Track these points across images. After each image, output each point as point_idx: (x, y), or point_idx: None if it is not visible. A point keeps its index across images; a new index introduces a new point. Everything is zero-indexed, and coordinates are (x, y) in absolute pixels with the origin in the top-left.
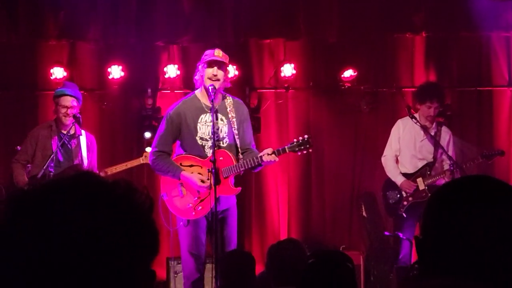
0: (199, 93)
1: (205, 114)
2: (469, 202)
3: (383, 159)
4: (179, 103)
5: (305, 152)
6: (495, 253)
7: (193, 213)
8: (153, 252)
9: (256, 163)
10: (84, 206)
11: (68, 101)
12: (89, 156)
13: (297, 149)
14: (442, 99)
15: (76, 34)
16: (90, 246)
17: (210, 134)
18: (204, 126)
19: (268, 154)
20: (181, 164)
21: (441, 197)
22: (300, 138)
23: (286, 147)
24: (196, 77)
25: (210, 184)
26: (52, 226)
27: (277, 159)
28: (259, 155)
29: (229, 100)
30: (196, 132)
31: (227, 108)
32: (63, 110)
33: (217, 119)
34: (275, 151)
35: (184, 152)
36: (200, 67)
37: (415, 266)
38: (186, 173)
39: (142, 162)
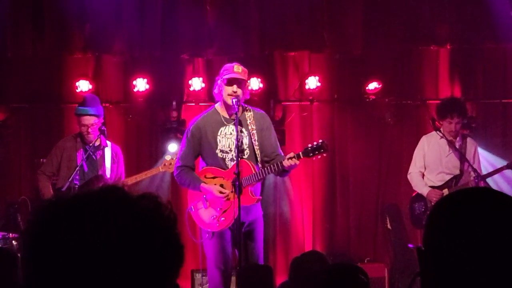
0: (218, 106)
1: (224, 127)
2: (471, 214)
3: (408, 176)
4: (199, 117)
5: (319, 157)
6: (496, 265)
7: (217, 224)
8: (178, 265)
9: (278, 169)
10: (109, 220)
11: (88, 120)
12: (114, 167)
13: (311, 154)
14: (463, 113)
15: (101, 47)
16: (115, 259)
17: (230, 146)
18: (224, 139)
19: (289, 159)
20: (205, 176)
21: (443, 209)
22: (315, 142)
23: (300, 152)
24: (215, 91)
25: (227, 194)
26: (78, 239)
27: (297, 162)
28: (279, 161)
29: (250, 113)
30: (216, 145)
31: (247, 120)
32: (84, 129)
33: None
34: (295, 155)
35: (206, 165)
36: (219, 81)
37: (416, 278)
38: (205, 185)
39: (161, 170)
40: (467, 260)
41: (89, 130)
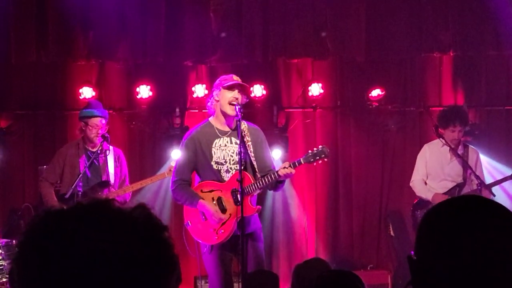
0: (212, 119)
1: (219, 139)
2: (463, 222)
3: (411, 184)
4: (193, 130)
5: (320, 162)
6: (488, 274)
7: (216, 237)
8: (173, 270)
9: (274, 179)
10: (104, 231)
11: (98, 121)
12: (118, 171)
13: (312, 159)
14: (464, 121)
15: (105, 54)
16: (107, 268)
17: (225, 158)
18: (218, 151)
19: (284, 168)
20: (201, 190)
21: (435, 217)
22: (315, 148)
23: (301, 158)
24: (209, 104)
25: (224, 220)
26: (73, 252)
27: (293, 171)
28: (275, 171)
29: (244, 125)
30: (211, 157)
31: (242, 132)
32: (94, 131)
33: (231, 142)
34: (291, 163)
35: (201, 179)
36: (215, 92)
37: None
38: (204, 201)
39: (166, 176)
40: (458, 269)
41: (99, 131)
